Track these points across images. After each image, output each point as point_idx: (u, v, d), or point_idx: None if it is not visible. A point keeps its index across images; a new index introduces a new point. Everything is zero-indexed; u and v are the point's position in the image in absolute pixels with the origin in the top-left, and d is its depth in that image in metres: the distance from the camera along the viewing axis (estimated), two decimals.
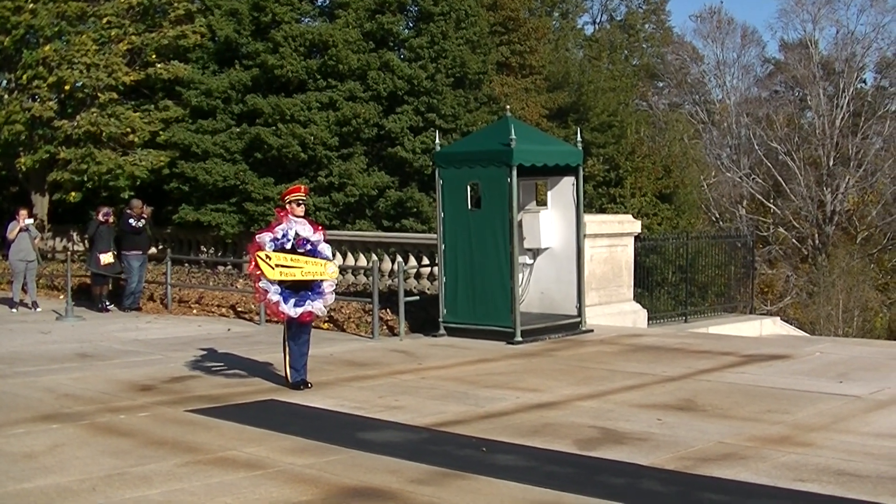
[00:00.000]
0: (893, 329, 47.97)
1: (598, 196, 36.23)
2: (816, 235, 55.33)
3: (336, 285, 13.92)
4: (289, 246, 13.21)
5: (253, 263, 13.22)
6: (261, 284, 13.22)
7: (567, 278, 19.25)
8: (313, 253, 13.34)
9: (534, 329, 18.25)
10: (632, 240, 22.16)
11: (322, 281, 13.35)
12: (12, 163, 28.95)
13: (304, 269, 13.21)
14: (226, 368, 15.15)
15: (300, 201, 13.44)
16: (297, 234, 13.24)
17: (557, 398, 12.78)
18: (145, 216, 23.61)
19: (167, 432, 10.94)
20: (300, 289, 13.28)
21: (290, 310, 13.22)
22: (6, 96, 28.18)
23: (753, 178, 58.19)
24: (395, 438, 10.68)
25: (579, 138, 19.94)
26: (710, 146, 60.02)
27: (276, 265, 13.10)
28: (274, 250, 13.15)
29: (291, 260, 13.17)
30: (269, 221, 13.93)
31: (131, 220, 23.17)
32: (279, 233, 13.21)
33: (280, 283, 13.16)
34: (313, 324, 14.33)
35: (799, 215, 56.39)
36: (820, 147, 56.61)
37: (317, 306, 13.36)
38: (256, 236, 13.47)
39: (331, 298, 13.67)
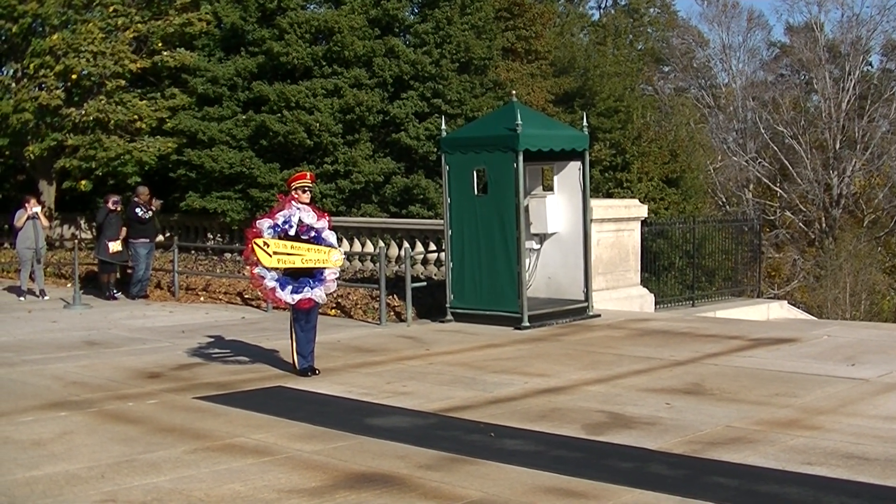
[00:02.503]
0: None
1: (605, 181, 36.16)
2: (823, 219, 55.30)
3: (342, 271, 13.90)
4: (292, 232, 13.15)
5: (249, 249, 13.18)
6: (256, 271, 13.19)
7: (574, 263, 19.25)
8: (317, 240, 13.28)
9: (541, 314, 18.25)
10: (638, 224, 22.14)
11: (324, 268, 13.32)
12: (20, 151, 28.96)
13: (306, 256, 13.15)
14: (233, 355, 15.16)
15: (306, 188, 13.39)
16: (300, 220, 13.18)
17: (565, 383, 12.78)
18: (153, 208, 23.63)
19: (175, 419, 10.96)
20: (300, 275, 13.26)
21: (287, 296, 13.19)
22: (14, 85, 28.19)
23: (760, 162, 58.16)
24: (403, 424, 10.69)
25: (585, 123, 19.91)
26: (717, 130, 60.00)
27: (274, 252, 13.03)
28: (274, 236, 13.10)
29: (292, 247, 13.10)
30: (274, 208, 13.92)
31: (138, 210, 23.17)
32: (280, 219, 13.13)
33: (279, 269, 13.16)
34: (320, 310, 14.34)
35: (805, 199, 56.36)
36: (826, 130, 56.54)
37: (316, 293, 13.30)
38: (256, 222, 13.42)
39: (332, 286, 13.63)
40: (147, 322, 19.54)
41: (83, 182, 28.78)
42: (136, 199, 23.62)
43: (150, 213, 23.36)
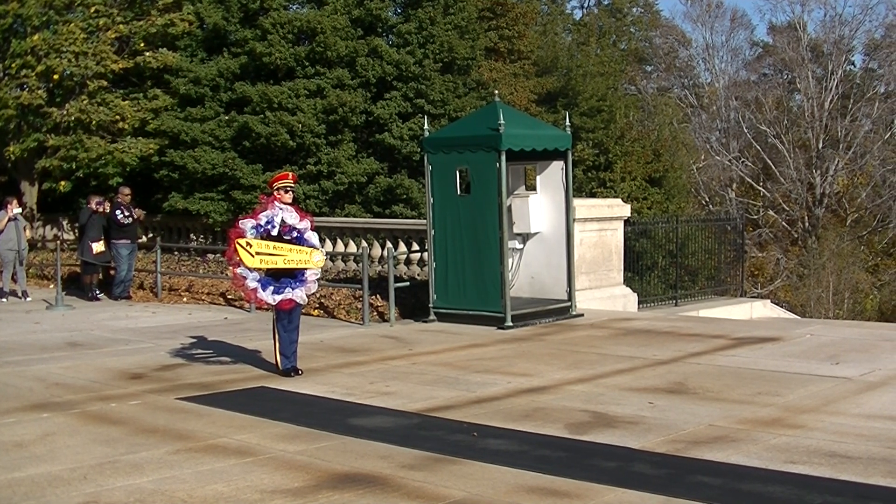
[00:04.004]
0: (884, 310, 48.12)
1: (588, 180, 36.18)
2: (806, 218, 55.41)
3: (325, 272, 13.87)
4: (275, 233, 13.15)
5: (231, 249, 13.17)
6: (238, 271, 13.17)
7: (557, 263, 19.25)
8: (300, 241, 13.28)
9: (524, 314, 18.26)
10: (621, 224, 22.18)
11: (306, 269, 13.31)
12: (0, 152, 28.87)
13: (288, 256, 13.15)
14: (216, 356, 15.15)
15: (288, 188, 13.39)
16: (283, 221, 13.17)
17: (548, 382, 12.79)
18: (135, 216, 23.53)
19: (158, 420, 10.94)
20: (282, 276, 13.25)
21: (269, 297, 13.19)
22: None
23: (743, 162, 58.26)
24: (386, 424, 10.68)
25: (568, 123, 19.92)
26: (699, 130, 60.07)
27: (257, 253, 13.03)
28: (257, 237, 13.09)
29: (275, 248, 13.10)
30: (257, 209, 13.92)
31: (118, 212, 23.10)
32: (263, 219, 13.14)
33: (261, 269, 13.15)
34: (303, 310, 14.33)
35: (789, 198, 56.48)
36: (809, 130, 56.65)
37: (297, 294, 13.30)
38: (239, 222, 13.40)
39: (314, 287, 13.64)
40: (130, 323, 19.51)
41: (62, 183, 28.66)
42: (118, 199, 23.57)
43: (129, 218, 23.26)
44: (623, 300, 21.79)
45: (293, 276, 13.26)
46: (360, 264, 19.92)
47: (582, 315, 19.08)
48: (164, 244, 26.17)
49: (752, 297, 33.43)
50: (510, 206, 19.03)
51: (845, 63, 58.80)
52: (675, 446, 9.50)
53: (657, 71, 65.92)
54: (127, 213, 23.21)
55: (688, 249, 26.81)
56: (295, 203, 13.75)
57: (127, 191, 23.93)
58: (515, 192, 19.78)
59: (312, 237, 13.46)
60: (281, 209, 13.24)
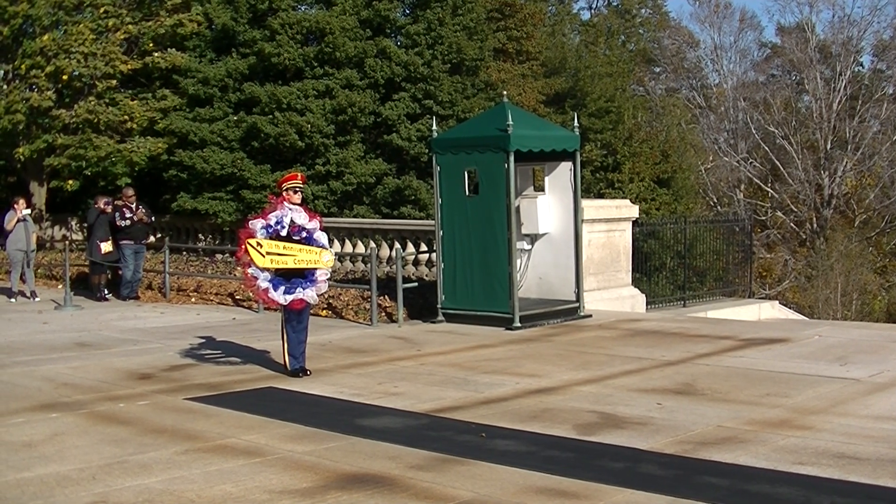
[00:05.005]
0: (892, 312, 48.07)
1: (596, 181, 36.21)
2: (814, 219, 55.38)
3: (334, 272, 13.86)
4: (284, 233, 13.14)
5: (242, 249, 13.17)
6: (250, 271, 13.17)
7: (565, 263, 19.23)
8: (309, 241, 13.28)
9: (532, 314, 18.23)
10: (630, 225, 22.15)
11: (316, 269, 13.31)
12: (10, 153, 28.93)
13: (298, 256, 13.15)
14: (224, 356, 15.14)
15: (297, 188, 13.39)
16: (292, 221, 13.17)
17: (556, 383, 12.78)
18: (135, 218, 23.35)
19: (166, 420, 10.94)
20: (292, 276, 13.25)
21: (280, 297, 13.18)
22: (5, 86, 28.14)
23: (751, 163, 58.23)
24: (394, 425, 10.68)
25: (576, 123, 19.89)
26: (708, 131, 60.08)
27: (267, 253, 13.03)
28: (267, 237, 13.09)
29: (284, 248, 13.10)
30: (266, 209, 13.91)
31: (116, 215, 23.06)
32: (272, 219, 13.14)
33: (271, 269, 13.14)
34: (311, 311, 14.33)
35: (797, 199, 56.43)
36: (817, 131, 56.63)
37: (308, 294, 13.30)
38: (248, 222, 13.40)
39: (324, 287, 13.62)
40: (138, 323, 19.52)
41: (70, 182, 28.72)
42: (118, 201, 23.54)
43: (126, 221, 23.17)
44: (631, 301, 21.77)
45: (303, 276, 13.25)
46: (369, 265, 19.92)
47: (590, 316, 19.06)
48: (172, 244, 26.19)
49: (760, 298, 33.36)
50: (518, 206, 18.99)
51: (853, 64, 58.82)
52: (683, 447, 9.49)
53: (665, 72, 65.91)
54: (129, 215, 23.17)
55: (696, 250, 26.79)
56: (304, 203, 13.77)
57: (130, 192, 23.86)
58: (524, 193, 19.76)
59: (321, 237, 13.46)
60: (290, 209, 13.24)
